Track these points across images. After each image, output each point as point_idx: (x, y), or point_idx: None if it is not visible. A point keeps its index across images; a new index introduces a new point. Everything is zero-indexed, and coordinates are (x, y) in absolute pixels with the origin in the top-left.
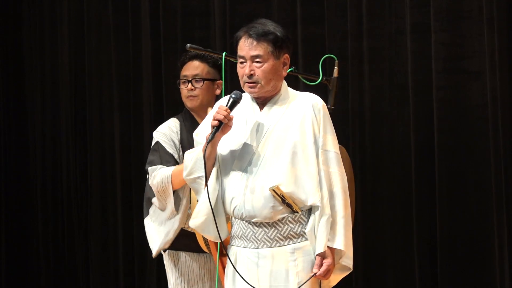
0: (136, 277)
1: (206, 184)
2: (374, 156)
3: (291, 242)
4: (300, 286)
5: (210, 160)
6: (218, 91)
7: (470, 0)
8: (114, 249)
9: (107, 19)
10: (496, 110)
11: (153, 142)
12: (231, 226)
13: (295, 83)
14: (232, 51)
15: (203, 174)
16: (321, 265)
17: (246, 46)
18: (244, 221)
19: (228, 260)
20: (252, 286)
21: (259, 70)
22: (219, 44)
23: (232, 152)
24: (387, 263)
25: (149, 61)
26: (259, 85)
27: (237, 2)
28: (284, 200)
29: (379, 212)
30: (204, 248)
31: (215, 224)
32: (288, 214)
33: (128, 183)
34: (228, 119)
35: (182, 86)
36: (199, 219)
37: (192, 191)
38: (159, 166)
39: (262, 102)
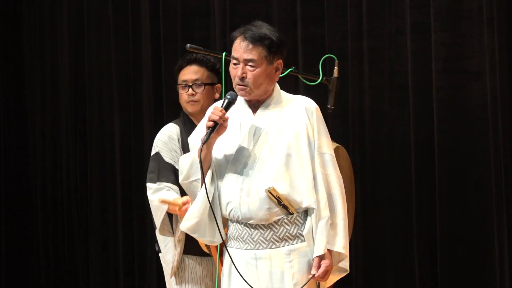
0: (136, 277)
1: (202, 185)
2: (374, 156)
3: (287, 243)
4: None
5: (205, 163)
6: (217, 95)
7: (470, 0)
8: (114, 249)
9: (107, 19)
10: (496, 110)
11: (153, 151)
12: (227, 229)
13: (295, 83)
14: None
15: (199, 177)
16: (319, 266)
17: (241, 49)
18: (240, 223)
19: (224, 261)
20: (250, 286)
21: (251, 73)
22: (219, 44)
23: (227, 156)
24: (387, 263)
25: (149, 61)
26: (248, 88)
27: (237, 2)
28: (280, 201)
29: (379, 212)
30: (205, 249)
31: (210, 225)
32: (284, 216)
33: (128, 183)
34: (223, 119)
35: (182, 91)
36: (190, 221)
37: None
38: (154, 187)
39: (255, 105)
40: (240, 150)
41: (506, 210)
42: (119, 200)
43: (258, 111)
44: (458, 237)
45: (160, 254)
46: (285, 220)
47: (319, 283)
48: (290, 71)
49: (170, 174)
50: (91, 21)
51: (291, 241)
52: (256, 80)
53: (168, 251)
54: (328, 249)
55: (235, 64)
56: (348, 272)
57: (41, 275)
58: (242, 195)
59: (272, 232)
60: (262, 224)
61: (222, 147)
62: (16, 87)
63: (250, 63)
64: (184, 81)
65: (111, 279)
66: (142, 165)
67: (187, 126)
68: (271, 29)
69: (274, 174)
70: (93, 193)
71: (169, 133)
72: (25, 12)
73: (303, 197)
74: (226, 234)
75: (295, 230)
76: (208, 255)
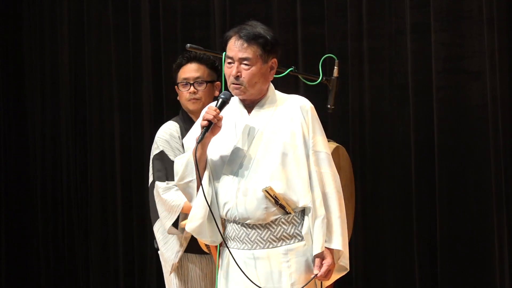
0: (136, 277)
1: (199, 186)
2: (374, 156)
3: (284, 243)
4: (304, 286)
5: (201, 163)
6: (217, 93)
7: (470, 0)
8: (114, 249)
9: (107, 19)
10: (496, 110)
11: (157, 150)
12: (224, 229)
13: (295, 83)
14: None
15: (195, 177)
16: (321, 266)
17: (236, 48)
18: (237, 223)
19: (221, 262)
20: (253, 282)
21: (246, 72)
22: (219, 44)
23: (223, 157)
24: (387, 263)
25: (149, 61)
26: (245, 87)
27: (237, 2)
28: (277, 201)
29: (379, 212)
30: (205, 249)
31: (210, 225)
32: (281, 216)
33: (128, 183)
34: (218, 119)
35: (183, 89)
36: (195, 222)
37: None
38: (163, 185)
39: (249, 105)
40: (236, 151)
41: (506, 210)
42: (119, 200)
43: (253, 111)
44: (458, 237)
45: (159, 252)
46: (282, 220)
47: (321, 283)
48: (290, 71)
49: None
50: (91, 21)
51: (288, 241)
52: (251, 79)
53: (169, 249)
54: (328, 248)
55: (229, 63)
56: (348, 270)
57: (41, 275)
58: (239, 195)
59: (269, 232)
60: (259, 224)
61: (218, 148)
62: (16, 87)
63: (245, 62)
64: (185, 79)
65: (111, 279)
66: (142, 165)
67: (187, 124)
68: (265, 28)
69: (271, 173)
70: (93, 193)
71: (170, 131)
72: (25, 12)
73: (299, 197)
74: (224, 234)
75: (292, 230)
76: (208, 254)
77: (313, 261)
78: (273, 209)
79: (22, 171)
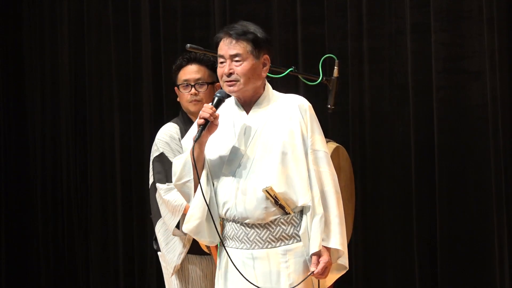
0: (136, 277)
1: (196, 185)
2: (374, 156)
3: (283, 243)
4: (295, 286)
5: (199, 163)
6: None
7: (470, 0)
8: (114, 249)
9: (107, 19)
10: (496, 110)
11: (157, 152)
12: (223, 228)
13: (295, 83)
14: None
15: (192, 177)
16: (317, 263)
17: (226, 45)
18: (236, 223)
19: (218, 262)
20: (251, 283)
21: (238, 68)
22: None
23: (222, 157)
24: (387, 263)
25: (149, 61)
26: (238, 83)
27: (237, 2)
28: (277, 201)
29: (379, 212)
30: (205, 249)
31: (209, 225)
32: (281, 216)
33: (128, 183)
34: (214, 117)
35: (184, 90)
36: (192, 223)
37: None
38: (164, 187)
39: (247, 104)
40: (235, 150)
41: (506, 210)
42: (119, 200)
43: (251, 111)
44: (458, 237)
45: (159, 253)
46: (282, 220)
47: (318, 282)
48: (290, 71)
49: None
50: (91, 21)
51: (287, 241)
52: (245, 74)
53: (170, 250)
54: (325, 246)
55: (221, 62)
56: (347, 269)
57: (41, 275)
58: (238, 195)
59: (268, 232)
60: (259, 224)
61: (217, 148)
62: (16, 87)
63: (236, 58)
64: (186, 80)
65: (111, 279)
66: (142, 165)
67: (187, 126)
68: (256, 26)
69: (271, 172)
70: (93, 193)
71: (170, 132)
72: (25, 12)
73: (298, 195)
74: (222, 234)
75: (291, 230)
76: (208, 254)
77: (310, 260)
78: (273, 209)
79: (22, 171)
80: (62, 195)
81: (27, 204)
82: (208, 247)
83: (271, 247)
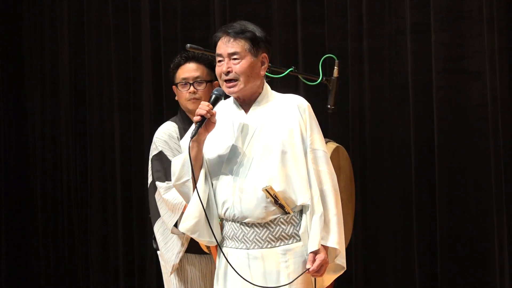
0: (136, 277)
1: (195, 185)
2: (374, 156)
3: (282, 243)
4: (291, 282)
5: (197, 162)
6: None
7: (470, 0)
8: (114, 249)
9: (107, 19)
10: (496, 110)
11: (155, 151)
12: (222, 228)
13: (295, 83)
14: None
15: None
16: (314, 261)
17: (224, 44)
18: (235, 222)
19: (218, 262)
20: (249, 281)
21: (236, 66)
22: None
23: (221, 156)
24: (387, 263)
25: (149, 61)
26: (238, 82)
27: (237, 2)
28: (277, 200)
29: (379, 212)
30: (205, 249)
31: (208, 225)
32: (280, 215)
33: (128, 183)
34: (211, 114)
35: (182, 89)
36: (189, 222)
37: None
38: (164, 185)
39: (246, 104)
40: (234, 149)
41: (506, 210)
42: (119, 200)
43: (250, 110)
44: (458, 237)
45: (158, 252)
46: (281, 220)
47: (315, 280)
48: (290, 71)
49: None
50: (91, 21)
51: (286, 241)
52: (243, 72)
53: (169, 249)
54: (322, 245)
55: (219, 61)
56: (345, 269)
57: (41, 275)
58: (238, 194)
59: (268, 231)
60: (258, 223)
61: (216, 147)
62: (16, 87)
63: (234, 56)
64: (185, 79)
65: (111, 279)
66: (142, 165)
67: (185, 125)
68: (254, 25)
69: (271, 172)
70: (93, 193)
71: (168, 131)
72: (25, 12)
73: (298, 195)
74: (222, 234)
75: (291, 230)
76: (208, 254)
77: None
78: (273, 208)
79: (22, 171)
80: (62, 195)
81: (27, 204)
82: (208, 247)
83: (270, 247)
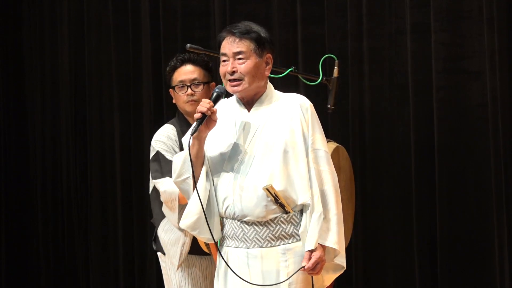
0: (136, 277)
1: (197, 181)
2: (374, 156)
3: (282, 242)
4: (287, 279)
5: (198, 159)
6: None
7: (470, 0)
8: (114, 249)
9: (107, 19)
10: (496, 110)
11: (153, 152)
12: (223, 227)
13: (295, 83)
14: None
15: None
16: (310, 259)
17: (229, 44)
18: (235, 221)
19: (218, 261)
20: (247, 281)
21: (241, 66)
22: None
23: (222, 154)
24: (387, 263)
25: (149, 61)
26: (243, 82)
27: (237, 2)
28: (277, 199)
29: (379, 212)
30: (204, 249)
31: (212, 222)
32: (281, 214)
33: (128, 183)
34: (212, 111)
35: (180, 91)
36: (190, 219)
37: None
38: (165, 181)
39: (249, 103)
40: (236, 147)
41: (506, 210)
42: (119, 200)
43: (253, 109)
44: (458, 237)
45: (158, 253)
46: (282, 219)
47: (312, 279)
48: (290, 71)
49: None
50: (91, 21)
51: (286, 240)
52: (248, 73)
53: (174, 244)
54: (320, 244)
55: (224, 61)
56: (344, 269)
57: (41, 275)
58: (239, 192)
59: (268, 230)
60: (258, 222)
61: (218, 145)
62: (16, 87)
63: (239, 56)
64: (182, 81)
65: (111, 279)
66: (142, 165)
67: (183, 127)
68: (258, 26)
69: (272, 171)
70: (93, 193)
71: (166, 133)
72: (25, 12)
73: (298, 194)
74: (222, 233)
75: (291, 229)
76: (208, 254)
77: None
78: (273, 207)
79: (22, 171)
80: (62, 195)
81: (27, 204)
82: (208, 247)
83: (270, 246)
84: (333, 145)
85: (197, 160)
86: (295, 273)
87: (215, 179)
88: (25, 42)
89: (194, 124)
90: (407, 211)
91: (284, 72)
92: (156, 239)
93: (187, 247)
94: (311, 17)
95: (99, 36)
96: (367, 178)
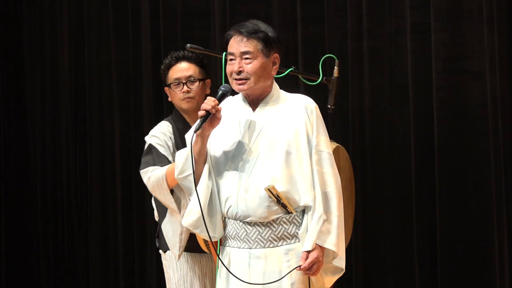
0: (136, 277)
1: (197, 178)
2: (374, 156)
3: (284, 243)
4: (282, 277)
5: (200, 157)
6: (208, 90)
7: (470, 0)
8: (114, 249)
9: (107, 19)
10: (496, 110)
11: (146, 146)
12: (225, 227)
13: (295, 83)
14: None
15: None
16: (307, 258)
17: (236, 43)
18: (238, 221)
19: (221, 261)
20: (248, 282)
21: (248, 66)
22: (219, 44)
23: (225, 153)
24: (387, 263)
25: (149, 61)
26: (248, 81)
27: (237, 2)
28: (279, 200)
29: (379, 212)
30: (204, 248)
31: (215, 220)
32: (283, 215)
33: (128, 183)
34: (216, 110)
35: (176, 89)
36: (191, 217)
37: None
38: (151, 168)
39: (254, 102)
40: (239, 147)
41: (506, 210)
42: (119, 200)
43: (258, 108)
44: (458, 237)
45: (161, 251)
46: (284, 219)
47: (309, 280)
48: (290, 71)
49: (166, 161)
50: (91, 21)
51: (288, 240)
52: (255, 73)
53: (174, 234)
54: (319, 245)
55: (231, 60)
56: (344, 271)
57: (41, 275)
58: (241, 192)
59: (270, 230)
60: (260, 222)
61: (221, 144)
62: (16, 87)
63: (246, 56)
64: (177, 79)
65: (111, 279)
66: None
67: (179, 125)
68: (266, 25)
69: (274, 171)
70: (93, 193)
71: (161, 129)
72: (25, 12)
73: (301, 195)
74: (224, 232)
75: (293, 230)
76: (208, 253)
77: None
78: (275, 207)
79: (22, 171)
80: (62, 195)
81: (27, 204)
82: (207, 245)
83: (272, 246)
84: (333, 145)
85: (199, 158)
86: (290, 271)
87: (217, 178)
88: (25, 42)
89: (198, 121)
90: (407, 211)
91: (284, 72)
92: (159, 235)
93: (185, 236)
94: (311, 17)
95: (99, 36)
96: (367, 178)
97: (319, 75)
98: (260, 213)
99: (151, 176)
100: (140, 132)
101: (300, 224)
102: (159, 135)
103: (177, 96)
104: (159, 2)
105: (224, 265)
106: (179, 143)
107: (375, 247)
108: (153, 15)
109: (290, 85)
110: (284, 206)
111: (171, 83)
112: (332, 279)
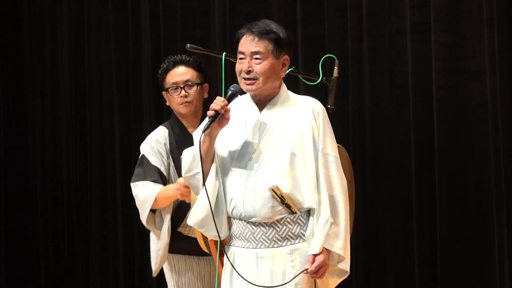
0: (136, 277)
1: (204, 178)
2: (374, 156)
3: (289, 243)
4: (290, 281)
5: (208, 156)
6: (206, 95)
7: (470, 0)
8: (114, 249)
9: (107, 19)
10: (496, 110)
11: (139, 156)
12: (230, 226)
13: (295, 83)
14: (233, 51)
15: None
16: (313, 262)
17: (247, 43)
18: (242, 221)
19: (225, 260)
20: (252, 283)
21: (258, 67)
22: (219, 44)
23: (231, 152)
24: (387, 263)
25: (149, 61)
26: (257, 81)
27: (237, 2)
28: (283, 200)
29: (379, 212)
30: (204, 248)
31: (220, 219)
32: (287, 215)
33: (128, 183)
34: (225, 110)
35: (173, 93)
36: (197, 216)
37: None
38: (140, 183)
39: (261, 102)
40: (246, 147)
41: (506, 210)
42: (119, 200)
43: (265, 109)
44: (458, 237)
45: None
46: (288, 219)
47: (315, 282)
48: (290, 71)
49: (156, 174)
50: (91, 21)
51: (293, 241)
52: (264, 73)
53: (153, 250)
54: (326, 248)
55: (241, 59)
56: (348, 274)
57: (41, 275)
58: (246, 192)
59: (274, 231)
60: (265, 223)
61: (228, 143)
62: (16, 87)
63: (256, 56)
64: (175, 83)
65: (111, 279)
66: None
67: (176, 130)
68: (278, 26)
69: (278, 172)
70: (93, 193)
71: (156, 137)
72: (25, 12)
73: (305, 197)
74: (230, 232)
75: (298, 230)
76: (208, 254)
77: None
78: (279, 208)
79: (22, 171)
80: (62, 195)
81: (27, 204)
82: (207, 247)
83: (277, 246)
84: None
85: (207, 157)
86: (298, 274)
87: (223, 178)
88: (25, 42)
89: (207, 121)
90: (407, 211)
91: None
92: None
93: (162, 253)
94: (311, 17)
95: (99, 36)
96: (367, 178)
97: (319, 75)
98: (264, 214)
99: (139, 194)
100: (140, 132)
101: (305, 224)
102: (152, 142)
103: (175, 100)
104: (159, 2)
105: (230, 261)
106: (175, 147)
107: (375, 247)
108: (153, 15)
109: (290, 85)
110: (288, 206)
111: (169, 87)
112: (337, 281)
